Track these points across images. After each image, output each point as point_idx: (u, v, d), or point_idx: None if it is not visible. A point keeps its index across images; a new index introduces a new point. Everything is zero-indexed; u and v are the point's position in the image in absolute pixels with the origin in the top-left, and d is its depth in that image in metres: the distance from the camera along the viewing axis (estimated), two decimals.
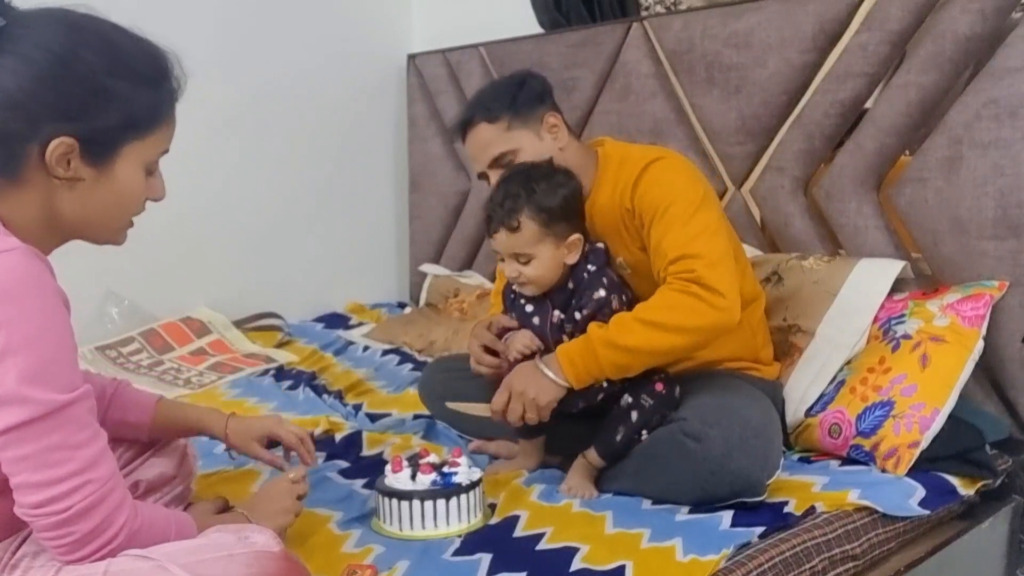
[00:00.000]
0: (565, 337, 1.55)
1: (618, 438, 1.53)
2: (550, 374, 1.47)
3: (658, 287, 1.51)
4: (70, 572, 0.98)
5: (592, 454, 1.55)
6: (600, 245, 1.60)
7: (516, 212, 1.50)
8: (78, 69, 0.97)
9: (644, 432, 1.53)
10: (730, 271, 1.50)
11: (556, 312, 1.57)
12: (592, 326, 1.48)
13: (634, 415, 1.52)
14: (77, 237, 1.08)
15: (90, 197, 1.03)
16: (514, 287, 1.62)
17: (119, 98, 1.00)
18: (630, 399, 1.53)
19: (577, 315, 1.54)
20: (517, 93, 1.64)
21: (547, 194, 1.51)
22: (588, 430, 1.57)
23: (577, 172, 1.62)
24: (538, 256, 1.53)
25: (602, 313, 1.52)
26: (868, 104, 2.01)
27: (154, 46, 1.05)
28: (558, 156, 1.62)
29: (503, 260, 1.57)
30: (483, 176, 1.67)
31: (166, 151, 1.09)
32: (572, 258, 1.55)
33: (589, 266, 1.56)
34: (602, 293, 1.52)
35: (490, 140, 1.63)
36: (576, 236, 1.55)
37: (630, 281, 1.62)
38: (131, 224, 1.10)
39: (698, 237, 1.50)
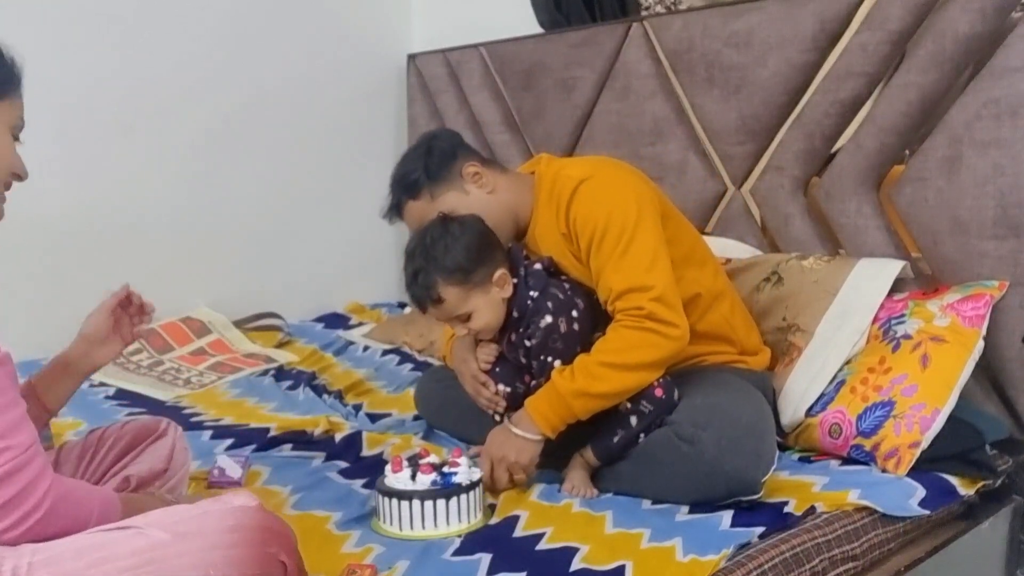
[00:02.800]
0: (522, 359, 1.58)
1: (615, 441, 1.53)
2: (524, 434, 1.50)
3: (609, 320, 1.53)
4: (41, 552, 0.95)
5: (588, 454, 1.55)
6: (538, 266, 1.60)
7: (431, 286, 1.52)
8: None
9: (642, 436, 1.53)
10: (676, 296, 1.52)
11: (511, 333, 1.59)
12: (557, 376, 1.49)
13: (633, 420, 1.52)
14: None
15: None
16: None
17: None
18: (629, 404, 1.52)
19: (527, 343, 1.55)
20: (427, 160, 1.65)
21: (449, 253, 1.52)
22: (588, 430, 1.56)
23: (514, 207, 1.65)
24: (475, 309, 1.55)
25: (551, 339, 1.53)
26: (867, 105, 2.02)
27: None
28: (490, 201, 1.63)
29: (448, 323, 1.60)
30: None
31: (23, 122, 1.12)
32: (506, 292, 1.57)
33: (531, 292, 1.57)
34: (548, 319, 1.53)
35: (422, 213, 1.65)
36: (500, 272, 1.55)
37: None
38: (3, 198, 1.11)
39: (638, 267, 1.50)
